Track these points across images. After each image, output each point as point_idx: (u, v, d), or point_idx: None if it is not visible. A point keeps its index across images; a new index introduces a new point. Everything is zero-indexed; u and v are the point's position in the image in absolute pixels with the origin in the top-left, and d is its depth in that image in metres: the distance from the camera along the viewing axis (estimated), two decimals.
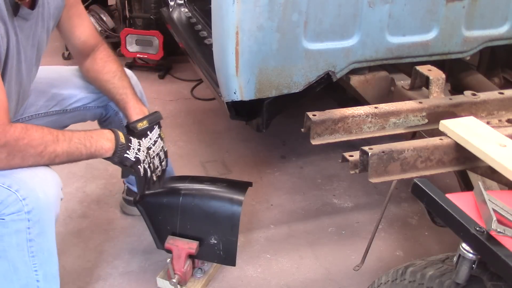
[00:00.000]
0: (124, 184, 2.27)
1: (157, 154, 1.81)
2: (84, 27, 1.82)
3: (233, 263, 1.85)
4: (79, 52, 1.85)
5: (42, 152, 1.43)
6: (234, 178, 1.98)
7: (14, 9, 1.43)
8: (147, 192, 1.90)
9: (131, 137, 1.67)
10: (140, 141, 1.71)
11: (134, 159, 1.65)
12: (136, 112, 1.80)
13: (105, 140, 1.58)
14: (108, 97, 1.89)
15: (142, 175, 1.69)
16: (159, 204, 1.87)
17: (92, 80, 1.89)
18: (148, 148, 1.74)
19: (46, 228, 1.46)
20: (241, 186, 1.90)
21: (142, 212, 1.90)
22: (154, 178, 1.78)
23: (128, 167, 1.65)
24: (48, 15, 1.62)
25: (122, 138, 1.63)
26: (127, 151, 1.63)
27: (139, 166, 1.67)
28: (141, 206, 1.90)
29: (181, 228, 1.84)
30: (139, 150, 1.67)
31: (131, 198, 2.22)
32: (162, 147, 1.84)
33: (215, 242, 1.82)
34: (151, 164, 1.74)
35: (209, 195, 1.86)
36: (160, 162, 1.84)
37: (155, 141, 1.80)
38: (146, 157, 1.71)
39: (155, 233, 1.89)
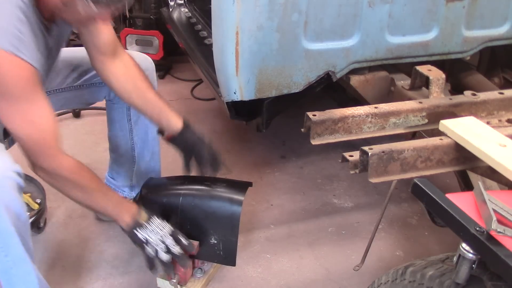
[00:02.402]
0: None
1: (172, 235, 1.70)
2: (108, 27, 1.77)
3: (233, 263, 1.85)
4: (102, 49, 1.78)
5: (79, 193, 1.56)
6: (234, 178, 1.98)
7: (46, 29, 1.50)
8: (148, 195, 1.91)
9: (153, 217, 1.68)
10: (163, 222, 1.69)
11: (143, 240, 1.65)
12: (176, 119, 1.89)
13: (127, 214, 1.66)
14: (140, 105, 1.85)
15: (146, 254, 1.66)
16: (159, 204, 1.87)
17: (123, 83, 1.82)
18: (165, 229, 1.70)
19: None
20: (241, 186, 1.90)
21: None
22: (164, 258, 1.66)
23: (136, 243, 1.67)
24: None
25: (142, 218, 1.67)
26: (139, 229, 1.65)
27: (145, 245, 1.66)
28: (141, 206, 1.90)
29: (181, 228, 1.83)
30: (152, 231, 1.66)
31: None
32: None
33: (215, 242, 1.82)
34: (161, 246, 1.67)
35: (209, 195, 1.86)
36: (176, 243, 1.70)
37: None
38: (161, 238, 1.66)
39: None
